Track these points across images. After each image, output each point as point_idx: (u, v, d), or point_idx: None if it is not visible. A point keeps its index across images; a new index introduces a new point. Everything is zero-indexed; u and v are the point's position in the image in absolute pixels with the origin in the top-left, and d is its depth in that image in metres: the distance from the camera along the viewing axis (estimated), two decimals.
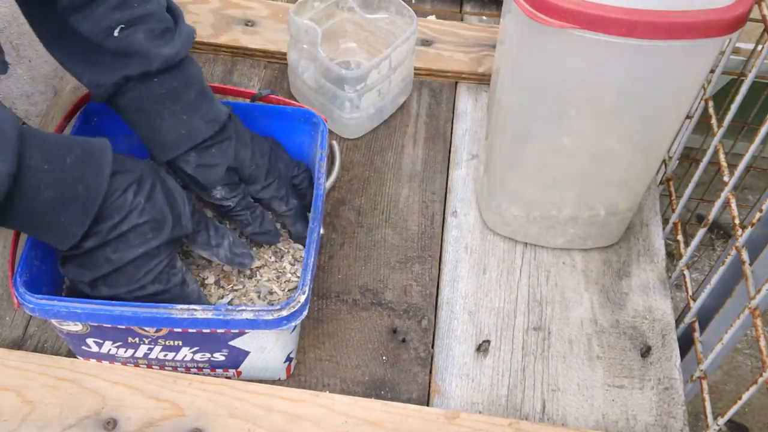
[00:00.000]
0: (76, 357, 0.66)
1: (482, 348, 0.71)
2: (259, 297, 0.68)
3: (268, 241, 0.71)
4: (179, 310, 0.56)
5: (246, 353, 0.62)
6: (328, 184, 0.72)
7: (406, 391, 0.67)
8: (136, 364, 0.65)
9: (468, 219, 0.80)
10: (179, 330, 0.59)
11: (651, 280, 0.76)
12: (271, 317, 0.56)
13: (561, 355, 0.70)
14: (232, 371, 0.66)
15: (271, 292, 0.68)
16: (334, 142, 0.74)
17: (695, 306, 0.74)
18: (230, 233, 0.66)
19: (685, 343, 0.75)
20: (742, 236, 0.65)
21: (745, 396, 0.61)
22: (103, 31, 0.60)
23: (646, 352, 0.71)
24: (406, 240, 0.78)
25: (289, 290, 0.69)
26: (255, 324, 0.57)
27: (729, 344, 0.67)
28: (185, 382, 0.64)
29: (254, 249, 0.71)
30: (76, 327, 0.59)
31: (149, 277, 0.58)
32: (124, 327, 0.58)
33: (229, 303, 0.67)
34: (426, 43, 0.94)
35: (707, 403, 0.68)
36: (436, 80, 0.93)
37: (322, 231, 0.70)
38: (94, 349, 0.62)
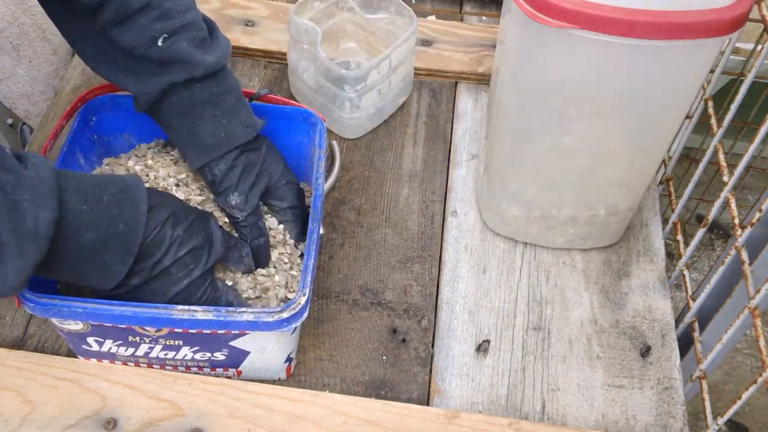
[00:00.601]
0: (76, 357, 0.66)
1: (482, 348, 0.71)
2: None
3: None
4: (180, 311, 0.56)
5: (246, 353, 0.62)
6: (328, 184, 0.72)
7: (406, 390, 0.67)
8: (137, 363, 0.65)
9: (468, 219, 0.80)
10: (180, 330, 0.59)
11: (651, 280, 0.76)
12: (271, 319, 0.56)
13: (561, 355, 0.70)
14: (232, 371, 0.66)
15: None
16: (334, 142, 0.74)
17: (695, 306, 0.74)
18: (241, 241, 0.66)
19: (685, 343, 0.75)
20: (742, 236, 0.65)
21: (745, 396, 0.61)
22: (147, 41, 0.61)
23: (645, 352, 0.71)
24: (406, 240, 0.78)
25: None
26: (255, 326, 0.57)
27: (729, 344, 0.67)
28: (185, 382, 0.64)
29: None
30: (76, 326, 0.59)
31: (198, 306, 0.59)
32: (124, 326, 0.59)
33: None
34: (426, 43, 0.94)
35: (707, 403, 0.68)
36: (436, 80, 0.93)
37: (322, 231, 0.70)
38: (95, 347, 0.62)
